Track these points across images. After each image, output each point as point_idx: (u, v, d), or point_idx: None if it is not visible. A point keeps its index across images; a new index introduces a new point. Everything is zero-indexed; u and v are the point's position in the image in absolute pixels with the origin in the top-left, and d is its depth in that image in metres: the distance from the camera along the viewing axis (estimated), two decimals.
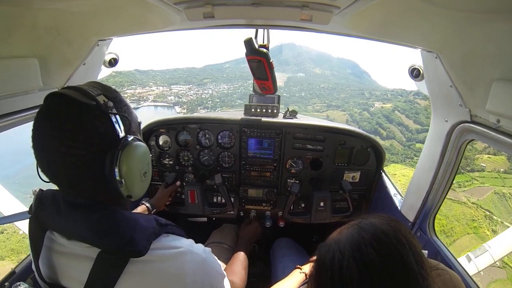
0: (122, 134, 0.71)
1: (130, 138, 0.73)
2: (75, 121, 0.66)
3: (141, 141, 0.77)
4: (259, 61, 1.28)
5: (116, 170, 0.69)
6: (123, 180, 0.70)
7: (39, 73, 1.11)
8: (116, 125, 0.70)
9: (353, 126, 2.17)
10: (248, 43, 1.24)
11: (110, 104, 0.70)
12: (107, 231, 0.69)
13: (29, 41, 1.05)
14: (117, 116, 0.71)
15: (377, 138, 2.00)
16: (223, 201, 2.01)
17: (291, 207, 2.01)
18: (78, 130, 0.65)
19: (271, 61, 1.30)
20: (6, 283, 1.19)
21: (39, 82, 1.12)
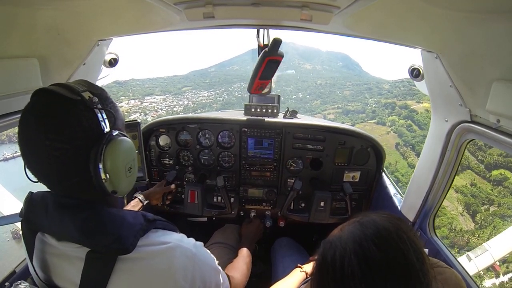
0: (107, 129, 0.71)
1: (115, 133, 0.72)
2: (60, 115, 0.65)
3: (126, 136, 0.77)
4: (278, 61, 1.25)
5: (101, 165, 0.68)
6: (107, 175, 0.70)
7: (39, 73, 1.11)
8: (101, 121, 0.70)
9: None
10: (278, 43, 1.18)
11: (95, 99, 0.70)
12: (94, 230, 0.69)
13: (29, 41, 1.05)
14: (102, 112, 0.71)
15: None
16: (223, 201, 2.01)
17: (291, 205, 2.01)
18: (62, 124, 0.65)
19: None
20: (7, 283, 1.19)
21: (39, 82, 1.12)
